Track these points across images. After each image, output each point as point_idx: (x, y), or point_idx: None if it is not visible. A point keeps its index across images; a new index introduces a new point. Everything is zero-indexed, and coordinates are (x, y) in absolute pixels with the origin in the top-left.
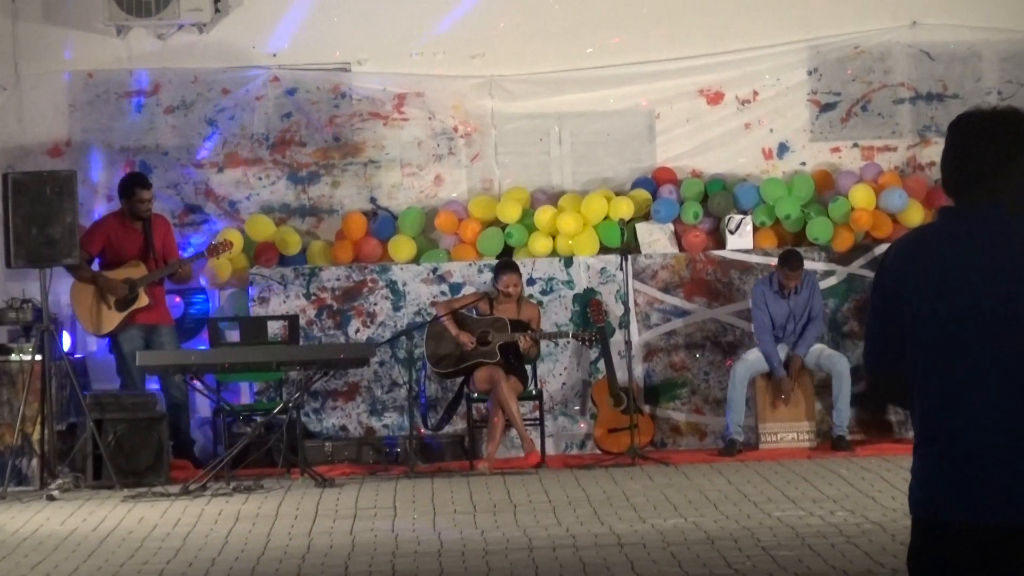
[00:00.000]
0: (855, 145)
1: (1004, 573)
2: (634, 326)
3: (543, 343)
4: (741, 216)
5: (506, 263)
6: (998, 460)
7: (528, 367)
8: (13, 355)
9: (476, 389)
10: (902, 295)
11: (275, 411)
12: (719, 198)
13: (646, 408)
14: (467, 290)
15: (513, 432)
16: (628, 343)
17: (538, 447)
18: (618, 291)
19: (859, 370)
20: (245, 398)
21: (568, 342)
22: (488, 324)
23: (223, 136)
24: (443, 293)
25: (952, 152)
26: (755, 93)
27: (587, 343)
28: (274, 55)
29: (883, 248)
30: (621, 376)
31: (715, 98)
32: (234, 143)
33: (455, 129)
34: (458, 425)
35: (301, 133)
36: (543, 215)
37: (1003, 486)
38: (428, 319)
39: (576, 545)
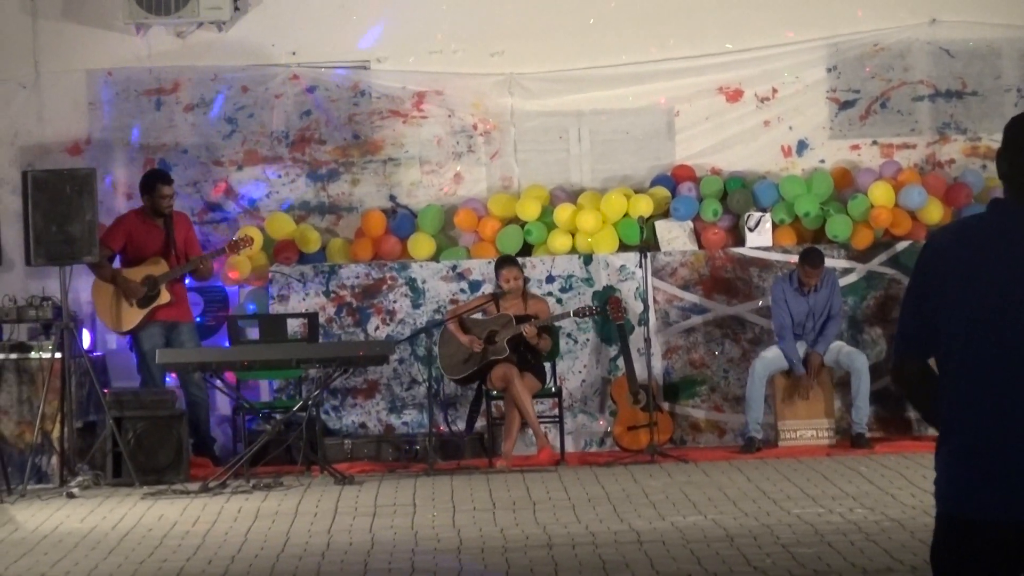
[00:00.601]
0: (874, 142)
1: None
2: (653, 323)
3: (564, 342)
4: (760, 214)
5: (503, 258)
6: (1020, 458)
7: (547, 365)
8: (33, 353)
9: (493, 387)
10: (936, 284)
11: (294, 409)
12: (738, 196)
13: (665, 405)
14: (486, 288)
15: (531, 430)
16: (647, 340)
17: (554, 444)
18: (637, 288)
19: (878, 368)
20: (264, 396)
21: (587, 340)
22: (493, 323)
23: (242, 134)
24: (462, 291)
25: (1015, 151)
26: (774, 90)
27: (588, 315)
28: (293, 53)
29: (902, 246)
30: (640, 373)
31: (734, 96)
32: (253, 141)
33: (474, 127)
34: (478, 422)
35: (320, 131)
36: (562, 213)
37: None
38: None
39: (595, 542)
